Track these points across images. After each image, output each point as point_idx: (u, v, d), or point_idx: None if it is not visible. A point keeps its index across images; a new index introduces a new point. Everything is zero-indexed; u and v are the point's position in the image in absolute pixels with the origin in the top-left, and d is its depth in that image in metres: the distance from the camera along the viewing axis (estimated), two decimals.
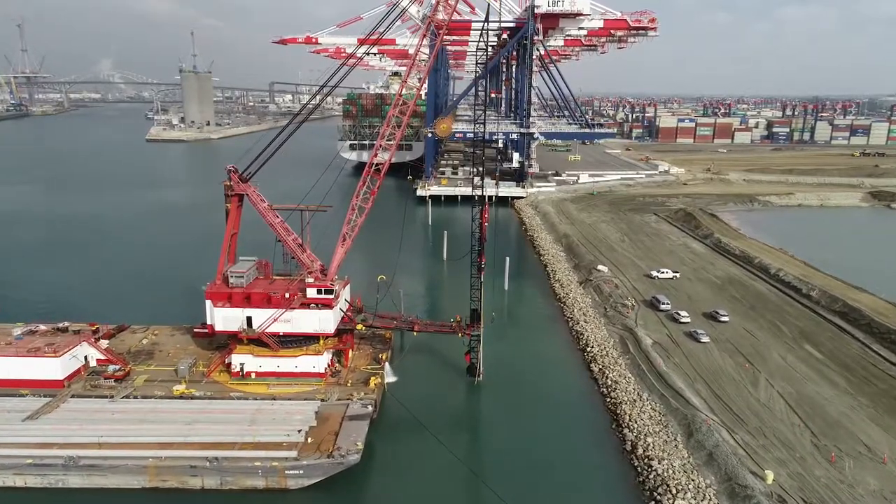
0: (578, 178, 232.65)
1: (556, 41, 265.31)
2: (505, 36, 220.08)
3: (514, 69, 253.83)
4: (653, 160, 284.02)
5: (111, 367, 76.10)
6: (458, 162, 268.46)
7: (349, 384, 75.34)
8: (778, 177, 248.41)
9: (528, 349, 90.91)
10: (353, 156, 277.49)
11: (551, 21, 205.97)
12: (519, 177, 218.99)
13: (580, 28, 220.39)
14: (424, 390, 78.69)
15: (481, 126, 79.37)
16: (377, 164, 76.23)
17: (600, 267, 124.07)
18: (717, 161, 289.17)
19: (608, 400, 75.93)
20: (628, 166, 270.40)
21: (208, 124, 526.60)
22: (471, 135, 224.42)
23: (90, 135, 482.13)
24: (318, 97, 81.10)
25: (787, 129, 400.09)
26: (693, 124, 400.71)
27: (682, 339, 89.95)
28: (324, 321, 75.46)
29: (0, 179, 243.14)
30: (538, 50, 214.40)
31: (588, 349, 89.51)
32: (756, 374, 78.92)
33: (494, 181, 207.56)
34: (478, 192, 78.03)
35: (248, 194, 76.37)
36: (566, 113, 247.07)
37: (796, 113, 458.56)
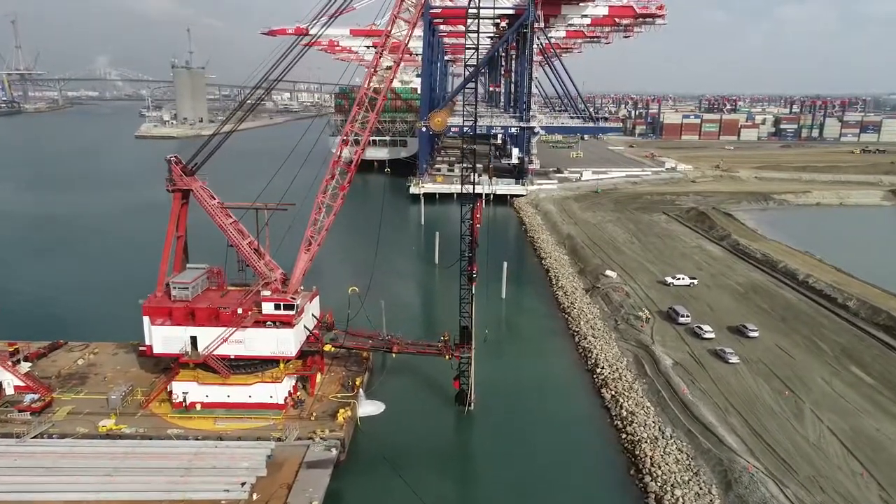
0: (581, 175, 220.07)
1: (558, 32, 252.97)
2: (503, 24, 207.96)
3: (513, 60, 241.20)
4: (658, 157, 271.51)
5: (28, 397, 63.54)
6: (454, 158, 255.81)
7: (313, 417, 62.81)
8: (791, 174, 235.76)
9: (528, 371, 78.23)
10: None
11: (553, 7, 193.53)
12: (519, 174, 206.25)
13: (583, 16, 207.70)
14: (405, 423, 66.19)
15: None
16: (346, 157, 63.38)
17: (608, 272, 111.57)
18: (726, 158, 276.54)
19: (624, 437, 63.37)
20: (633, 163, 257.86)
21: (201, 121, 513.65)
22: (467, 128, 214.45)
23: (78, 133, 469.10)
24: (265, 83, 67.62)
25: (796, 126, 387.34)
26: (698, 121, 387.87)
27: (706, 359, 77.43)
28: (283, 342, 62.92)
29: None
30: (539, 40, 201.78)
31: (598, 370, 77.01)
32: (799, 404, 66.43)
33: (488, 177, 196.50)
34: (469, 188, 65.58)
35: (193, 190, 63.83)
36: (569, 108, 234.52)
37: (802, 110, 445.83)
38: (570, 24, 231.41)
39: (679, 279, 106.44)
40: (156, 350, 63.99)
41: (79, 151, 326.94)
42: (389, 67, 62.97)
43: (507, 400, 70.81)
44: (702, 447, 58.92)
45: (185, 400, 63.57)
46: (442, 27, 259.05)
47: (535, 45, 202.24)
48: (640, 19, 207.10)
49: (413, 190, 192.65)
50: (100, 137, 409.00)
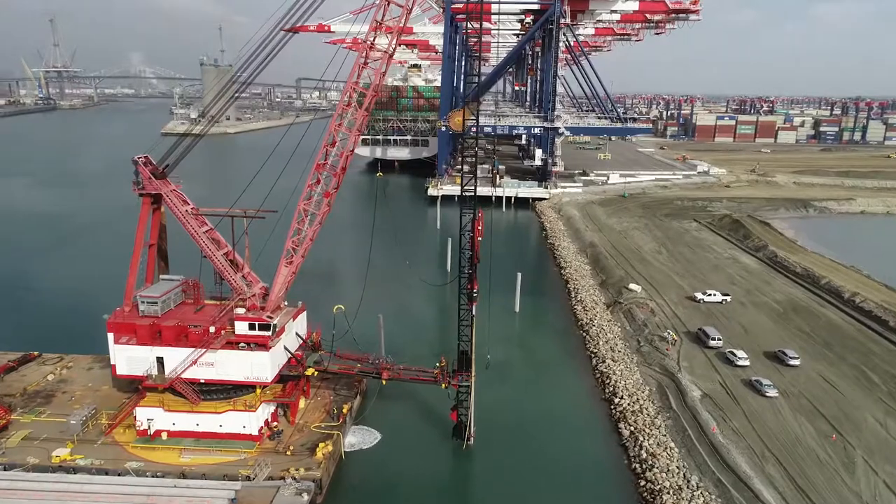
0: (608, 178, 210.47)
1: (587, 29, 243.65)
2: (528, 19, 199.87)
3: (538, 58, 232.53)
4: (690, 159, 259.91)
5: None
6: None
7: (290, 452, 55.92)
8: (833, 179, 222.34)
9: (537, 400, 70.18)
10: (365, 151, 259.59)
11: (580, 2, 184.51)
12: (542, 176, 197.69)
13: (612, 11, 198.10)
14: (395, 458, 58.98)
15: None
16: (331, 159, 56.18)
17: (632, 286, 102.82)
18: (762, 161, 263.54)
19: (643, 483, 55.14)
20: (663, 166, 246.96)
21: (227, 119, 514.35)
22: (488, 129, 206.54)
23: (108, 128, 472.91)
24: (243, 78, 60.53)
25: (837, 129, 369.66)
26: (733, 122, 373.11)
27: (740, 391, 68.61)
28: (258, 366, 56.16)
29: None
30: (565, 37, 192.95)
31: (616, 400, 68.74)
32: (849, 451, 57.42)
33: (493, 177, 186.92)
34: (476, 192, 58.06)
35: (162, 194, 57.47)
36: (596, 108, 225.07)
37: (844, 112, 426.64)
38: (599, 21, 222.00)
39: (710, 295, 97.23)
40: (119, 371, 57.85)
41: (98, 146, 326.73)
42: (379, 60, 55.39)
43: (510, 434, 63.06)
44: (734, 502, 50.48)
45: (149, 427, 57.25)
46: (466, 24, 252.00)
47: (561, 43, 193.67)
48: (673, 15, 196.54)
49: (431, 192, 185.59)
50: (125, 133, 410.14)
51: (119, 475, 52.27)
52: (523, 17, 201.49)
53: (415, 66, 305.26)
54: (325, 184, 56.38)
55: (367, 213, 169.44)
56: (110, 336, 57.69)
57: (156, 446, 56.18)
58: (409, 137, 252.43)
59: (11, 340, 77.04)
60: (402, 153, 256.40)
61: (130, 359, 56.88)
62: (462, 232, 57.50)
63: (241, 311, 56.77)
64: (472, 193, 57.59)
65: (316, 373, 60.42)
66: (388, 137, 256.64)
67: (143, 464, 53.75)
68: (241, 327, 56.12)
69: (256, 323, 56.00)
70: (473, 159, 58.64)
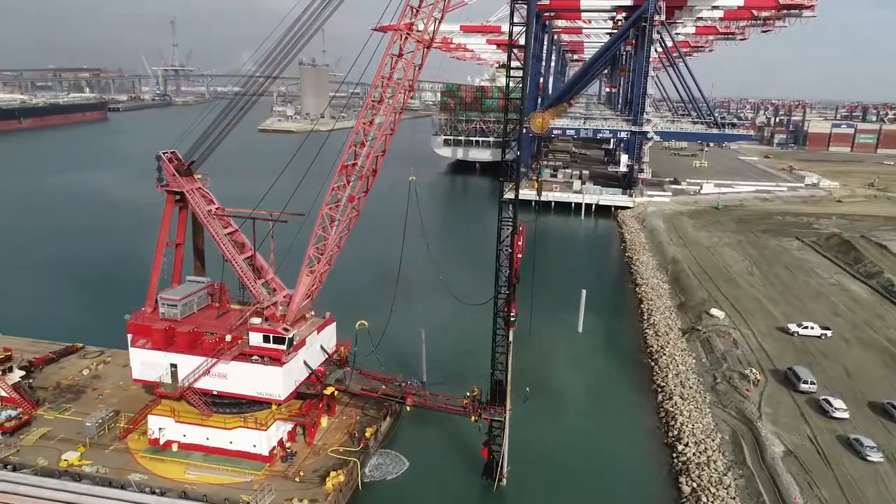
0: (701, 187, 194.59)
1: (686, 28, 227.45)
2: (620, 16, 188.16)
3: (631, 58, 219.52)
4: (798, 170, 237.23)
5: (4, 413, 57.21)
6: (561, 163, 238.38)
7: (300, 478, 51.24)
8: None
9: (585, 438, 61.88)
10: (447, 152, 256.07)
11: None
12: (627, 183, 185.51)
13: (714, 7, 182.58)
14: (417, 495, 53.09)
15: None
16: (360, 161, 50.88)
17: (715, 311, 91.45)
18: (884, 175, 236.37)
19: None
20: (766, 176, 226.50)
21: (322, 117, 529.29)
22: (571, 132, 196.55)
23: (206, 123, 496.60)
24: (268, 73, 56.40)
25: None
26: (851, 130, 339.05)
27: (834, 451, 57.39)
28: (269, 383, 51.84)
29: (91, 164, 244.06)
30: (661, 37, 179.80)
31: (679, 448, 59.38)
32: None
33: (538, 188, 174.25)
34: (517, 198, 51.20)
35: (185, 192, 54.39)
36: (693, 112, 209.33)
37: None
38: (700, 19, 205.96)
39: (807, 328, 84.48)
40: (134, 375, 55.35)
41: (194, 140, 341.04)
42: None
43: (548, 477, 55.44)
44: None
45: (161, 437, 54.36)
46: (557, 22, 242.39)
47: (657, 44, 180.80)
48: (784, 11, 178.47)
49: (508, 195, 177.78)
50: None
51: (122, 487, 49.43)
52: (615, 14, 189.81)
53: (503, 66, 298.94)
54: (352, 187, 51.24)
55: (432, 216, 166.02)
56: (129, 338, 55.36)
57: (164, 458, 53.17)
58: (491, 139, 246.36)
59: (62, 330, 77.28)
60: (483, 154, 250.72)
61: (145, 363, 54.20)
62: (500, 247, 50.66)
63: (257, 320, 52.67)
64: (513, 200, 50.46)
65: (337, 392, 55.51)
66: (471, 139, 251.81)
67: (147, 477, 50.73)
68: (256, 339, 52.02)
69: (271, 335, 51.68)
70: (516, 167, 51.44)
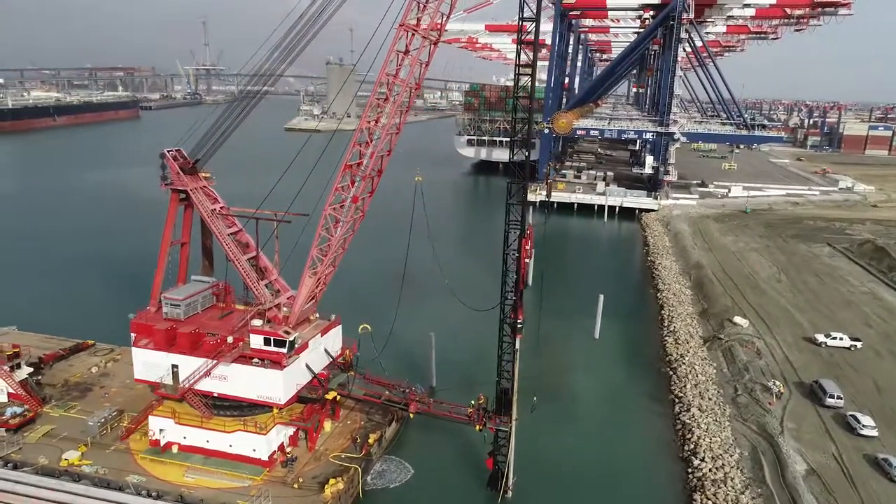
0: (729, 190, 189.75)
1: (717, 27, 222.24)
2: (647, 15, 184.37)
3: (659, 58, 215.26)
4: (832, 174, 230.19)
5: (9, 410, 57.23)
6: (586, 165, 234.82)
7: (298, 484, 50.10)
8: None
9: (596, 449, 59.70)
10: (470, 152, 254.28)
11: None
12: (652, 185, 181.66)
13: (745, 5, 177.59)
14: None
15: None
16: (364, 160, 49.50)
17: (738, 319, 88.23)
18: None
19: None
20: (798, 180, 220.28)
21: (348, 116, 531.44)
22: (595, 132, 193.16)
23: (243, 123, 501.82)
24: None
25: None
26: (889, 133, 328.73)
27: (861, 471, 54.38)
28: (269, 386, 50.81)
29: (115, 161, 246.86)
30: (689, 35, 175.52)
31: (695, 462, 56.86)
32: None
33: (547, 189, 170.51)
34: (525, 202, 49.29)
35: (188, 191, 53.65)
36: (722, 114, 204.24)
37: None
38: (731, 18, 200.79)
39: (835, 338, 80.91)
40: (136, 375, 54.82)
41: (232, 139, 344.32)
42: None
43: (556, 490, 53.46)
44: None
45: (161, 438, 53.74)
46: (584, 21, 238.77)
47: (685, 43, 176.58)
48: (819, 9, 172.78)
49: (530, 197, 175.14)
50: (251, 127, 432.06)
51: (120, 489, 48.83)
52: (642, 12, 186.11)
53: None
54: (357, 188, 49.88)
55: (451, 217, 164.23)
56: (132, 337, 54.87)
57: (164, 460, 52.52)
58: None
59: (77, 327, 77.46)
60: (506, 155, 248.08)
61: (147, 363, 53.63)
62: (507, 251, 48.84)
63: (258, 322, 51.68)
64: (522, 202, 48.59)
65: (339, 397, 54.28)
66: (494, 139, 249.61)
67: (145, 479, 50.08)
68: (256, 341, 51.03)
69: (272, 338, 50.62)
70: (525, 170, 49.54)
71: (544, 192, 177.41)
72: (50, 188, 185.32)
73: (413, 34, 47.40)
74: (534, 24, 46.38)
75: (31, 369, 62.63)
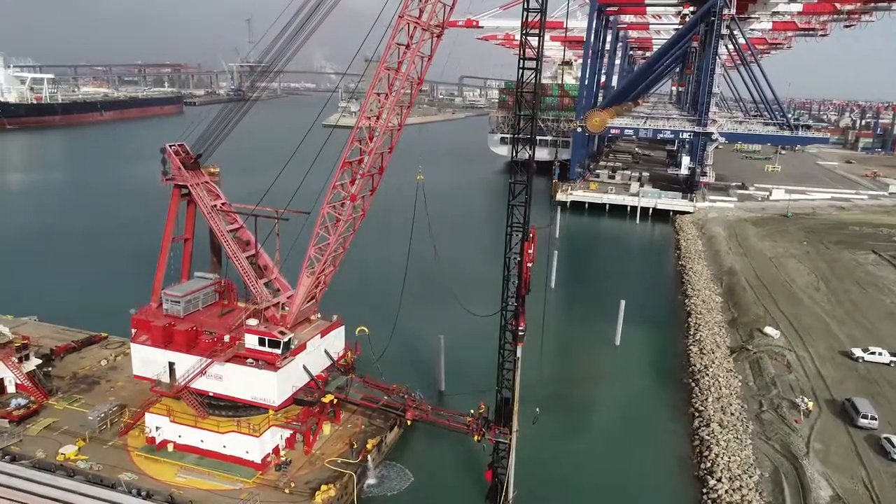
0: (771, 193, 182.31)
1: (762, 24, 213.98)
2: (687, 10, 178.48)
3: (699, 55, 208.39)
4: (882, 177, 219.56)
5: (14, 402, 57.52)
6: (621, 164, 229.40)
7: (290, 489, 48.78)
8: None
9: (605, 465, 56.70)
10: (503, 151, 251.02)
11: None
12: (688, 187, 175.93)
13: (791, 0, 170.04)
14: None
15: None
16: (363, 159, 47.78)
17: (769, 329, 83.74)
18: None
19: None
20: (845, 183, 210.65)
21: None
22: (630, 132, 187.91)
23: (277, 118, 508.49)
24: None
25: None
26: None
27: (892, 498, 50.29)
28: (263, 387, 49.61)
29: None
30: (731, 31, 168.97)
31: (711, 483, 53.49)
32: None
33: (553, 189, 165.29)
34: (529, 203, 46.83)
35: (189, 186, 52.89)
36: (766, 114, 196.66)
37: None
38: (776, 14, 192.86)
39: (874, 353, 75.91)
40: (134, 371, 54.46)
41: (261, 132, 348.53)
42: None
43: None
44: None
45: (157, 436, 53.16)
46: (623, 17, 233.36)
47: (727, 39, 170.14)
48: (871, 4, 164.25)
49: (559, 197, 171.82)
50: (290, 122, 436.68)
51: (112, 486, 48.32)
52: (681, 8, 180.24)
53: (566, 62, 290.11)
54: (356, 186, 48.22)
55: (477, 216, 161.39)
56: (132, 333, 54.50)
57: (158, 458, 51.91)
58: (549, 138, 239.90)
59: (93, 319, 77.79)
60: (540, 153, 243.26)
61: (144, 360, 53.20)
62: (508, 255, 46.45)
63: (254, 321, 50.57)
64: (526, 203, 46.05)
65: (336, 400, 52.80)
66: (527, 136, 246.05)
67: (137, 477, 49.49)
68: (251, 341, 49.92)
69: (266, 338, 49.41)
70: (529, 168, 46.99)
71: (575, 192, 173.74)
72: (89, 181, 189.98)
73: (416, 26, 45.46)
74: (538, 15, 43.71)
75: (39, 360, 63.02)
